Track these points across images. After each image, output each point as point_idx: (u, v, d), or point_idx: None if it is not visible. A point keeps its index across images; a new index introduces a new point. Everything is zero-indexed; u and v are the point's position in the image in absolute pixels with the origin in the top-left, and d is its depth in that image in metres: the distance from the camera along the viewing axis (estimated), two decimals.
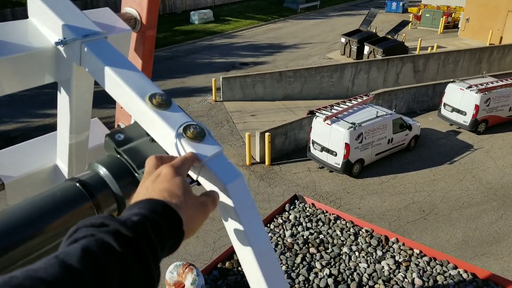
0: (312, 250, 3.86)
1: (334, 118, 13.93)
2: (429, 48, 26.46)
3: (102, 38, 1.43)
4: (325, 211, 4.39)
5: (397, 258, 3.82)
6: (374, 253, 3.88)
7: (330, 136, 13.88)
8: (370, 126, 14.00)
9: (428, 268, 3.69)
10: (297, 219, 4.22)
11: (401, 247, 3.94)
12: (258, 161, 15.15)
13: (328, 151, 14.05)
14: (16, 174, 1.80)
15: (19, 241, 1.05)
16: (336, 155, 13.86)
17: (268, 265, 1.19)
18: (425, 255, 3.84)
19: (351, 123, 13.59)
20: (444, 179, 14.15)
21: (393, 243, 4.01)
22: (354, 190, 13.64)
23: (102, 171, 1.24)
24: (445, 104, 17.43)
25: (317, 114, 14.20)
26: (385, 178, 14.25)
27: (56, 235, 1.12)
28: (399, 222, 12.10)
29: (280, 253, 3.85)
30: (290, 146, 15.86)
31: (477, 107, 16.29)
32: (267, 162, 14.98)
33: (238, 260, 3.59)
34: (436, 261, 3.77)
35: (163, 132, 1.22)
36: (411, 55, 23.10)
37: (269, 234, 4.04)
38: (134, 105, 1.27)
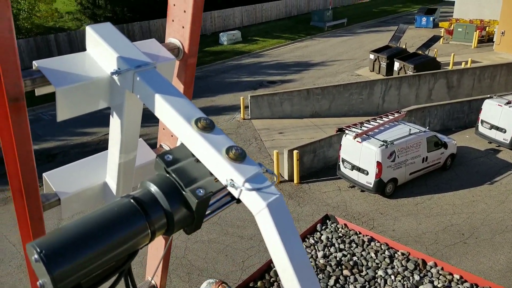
0: (345, 272, 3.67)
1: (364, 135, 13.43)
2: (463, 63, 25.66)
3: (152, 68, 1.59)
4: (358, 232, 4.20)
5: (435, 283, 3.56)
6: (411, 277, 3.68)
7: (360, 154, 13.36)
8: (403, 144, 13.41)
9: None
10: (329, 239, 4.05)
11: (440, 272, 3.71)
12: (287, 179, 14.77)
13: (359, 169, 13.51)
14: (71, 190, 1.92)
15: (87, 249, 1.20)
16: (367, 174, 13.30)
17: (307, 281, 1.25)
18: (466, 281, 3.56)
19: (383, 141, 13.05)
20: (484, 200, 13.33)
21: (431, 267, 3.80)
22: (388, 211, 13.00)
23: (154, 188, 1.40)
24: (482, 121, 16.64)
25: (346, 131, 13.73)
26: (420, 199, 13.55)
27: (113, 246, 1.26)
28: (436, 246, 11.37)
29: None
30: (319, 164, 15.41)
31: None
32: (295, 181, 14.58)
33: (270, 280, 3.45)
34: None
35: (208, 153, 1.35)
36: (444, 70, 22.40)
37: None
38: (181, 129, 1.42)
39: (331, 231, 4.16)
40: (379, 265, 3.75)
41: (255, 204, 1.27)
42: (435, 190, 13.98)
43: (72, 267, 1.18)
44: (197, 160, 1.42)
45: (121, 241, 1.28)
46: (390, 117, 14.72)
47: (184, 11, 1.81)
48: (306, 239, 4.13)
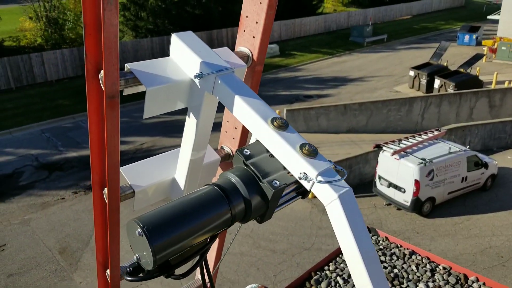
0: None
1: (402, 152, 13.35)
2: (506, 83, 24.97)
3: (230, 73, 1.77)
4: (399, 246, 4.26)
5: None
6: None
7: (398, 172, 13.28)
8: (442, 162, 13.24)
9: None
10: None
11: (482, 287, 3.75)
12: None
13: (396, 187, 13.42)
14: (144, 184, 2.07)
15: (181, 227, 1.43)
16: (404, 192, 13.18)
17: (373, 269, 1.38)
18: None
19: (421, 159, 12.94)
20: None
21: (473, 282, 3.82)
22: (424, 230, 12.82)
23: (234, 179, 1.60)
24: None
25: (384, 148, 13.69)
26: (458, 219, 13.28)
27: (201, 226, 1.49)
28: (474, 268, 11.11)
29: (353, 285, 3.73)
30: (355, 181, 15.37)
31: None
32: None
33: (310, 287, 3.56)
34: None
35: (283, 149, 1.50)
36: (486, 89, 21.91)
37: (341, 264, 3.99)
38: (258, 127, 1.57)
39: (372, 243, 4.29)
40: (420, 278, 3.80)
41: (327, 195, 1.42)
42: (474, 210, 13.67)
43: (169, 242, 1.40)
44: (271, 156, 1.60)
45: (207, 222, 1.51)
46: (430, 135, 14.56)
47: (256, 22, 1.94)
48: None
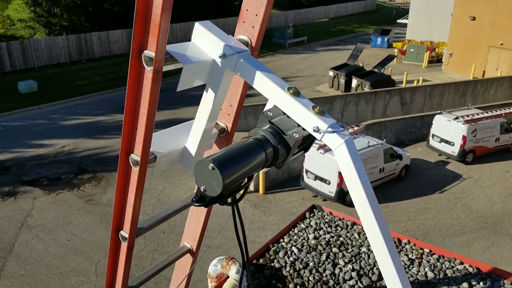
0: (334, 249, 4.23)
1: (326, 147, 14.17)
2: (415, 82, 27.29)
3: (248, 53, 2.15)
4: (342, 218, 4.78)
5: (410, 256, 4.17)
6: None
7: (323, 165, 14.08)
8: (362, 155, 14.26)
9: (438, 264, 4.07)
10: (318, 224, 4.64)
11: (413, 247, 4.31)
12: (252, 190, 15.23)
13: (322, 179, 14.22)
14: (163, 151, 2.40)
15: (237, 164, 1.89)
16: (329, 183, 14.03)
17: (371, 195, 1.85)
18: (434, 254, 4.22)
19: None
20: (435, 208, 14.37)
21: (406, 244, 4.37)
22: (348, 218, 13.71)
23: (265, 133, 2.04)
24: (433, 135, 17.89)
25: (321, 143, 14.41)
26: None
27: (248, 164, 1.94)
28: None
29: (307, 252, 4.17)
30: (284, 175, 16.00)
31: (464, 137, 16.75)
32: (261, 191, 15.08)
33: (270, 257, 4.08)
34: (445, 258, 4.14)
35: (299, 110, 1.94)
36: (398, 88, 23.80)
37: (294, 237, 4.43)
38: (277, 94, 2.00)
39: (319, 218, 4.74)
40: (362, 243, 4.31)
41: (335, 141, 1.85)
42: (391, 199, 14.91)
43: (231, 174, 1.83)
44: (288, 116, 2.03)
45: (251, 162, 1.95)
46: (350, 130, 15.59)
47: (256, 15, 2.29)
48: (297, 224, 4.65)
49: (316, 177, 14.38)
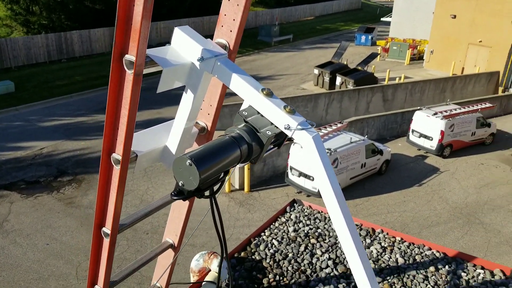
0: (312, 241, 4.54)
1: None
2: (397, 79, 27.93)
3: (225, 57, 2.32)
4: (320, 211, 5.10)
5: (383, 244, 4.53)
6: (364, 241, 4.58)
7: (307, 162, 14.52)
8: (345, 151, 14.79)
9: (408, 250, 4.43)
10: (298, 218, 4.93)
11: (386, 236, 4.67)
12: (238, 188, 15.62)
13: (306, 176, 14.72)
14: (144, 150, 2.55)
15: (213, 160, 2.05)
16: (313, 180, 14.52)
17: (335, 186, 2.05)
18: (405, 241, 4.59)
19: (327, 149, 14.32)
20: (413, 200, 14.98)
21: (379, 233, 4.72)
22: (327, 211, 14.21)
23: (240, 131, 2.19)
24: (413, 131, 18.51)
25: (294, 141, 14.84)
26: (359, 201, 14.97)
27: (223, 161, 2.09)
28: None
29: (286, 244, 4.48)
30: (269, 173, 16.45)
31: (442, 132, 17.40)
32: (246, 189, 15.47)
33: (251, 250, 4.35)
34: (415, 245, 4.52)
35: (271, 109, 2.13)
36: (380, 85, 24.38)
37: (275, 230, 4.74)
38: (252, 95, 2.17)
39: (299, 211, 5.02)
40: None
41: (304, 138, 2.06)
42: (372, 192, 15.48)
43: (207, 169, 1.99)
44: (261, 115, 2.20)
45: (226, 158, 2.11)
46: (334, 127, 16.12)
47: (234, 20, 2.45)
48: (278, 218, 4.89)
49: (300, 174, 14.88)
